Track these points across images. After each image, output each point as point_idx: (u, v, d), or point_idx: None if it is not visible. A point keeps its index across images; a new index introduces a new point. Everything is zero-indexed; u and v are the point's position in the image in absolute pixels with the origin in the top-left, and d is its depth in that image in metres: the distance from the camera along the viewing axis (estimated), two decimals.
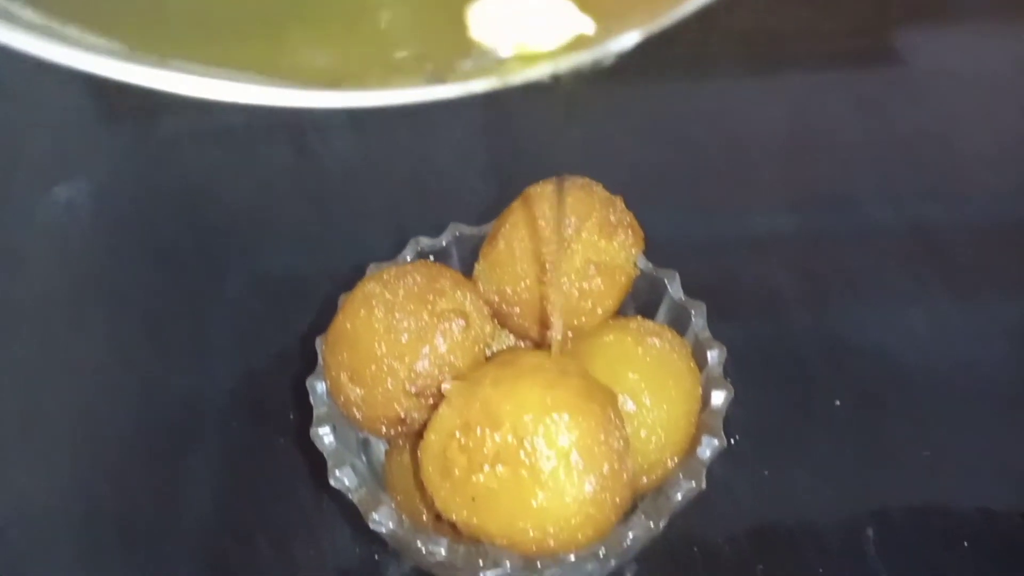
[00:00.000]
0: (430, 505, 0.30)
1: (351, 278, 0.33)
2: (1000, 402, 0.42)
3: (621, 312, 0.35)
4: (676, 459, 0.32)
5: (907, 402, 0.42)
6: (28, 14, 0.16)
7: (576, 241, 0.32)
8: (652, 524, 0.29)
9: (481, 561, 0.29)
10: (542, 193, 0.33)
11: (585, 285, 0.32)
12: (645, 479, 0.31)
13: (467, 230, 0.37)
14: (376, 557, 0.37)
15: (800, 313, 0.46)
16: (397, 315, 0.30)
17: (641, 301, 0.37)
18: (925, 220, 0.51)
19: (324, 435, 0.32)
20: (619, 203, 0.33)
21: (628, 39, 0.18)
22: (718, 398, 0.32)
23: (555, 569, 0.29)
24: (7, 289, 0.49)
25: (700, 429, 0.32)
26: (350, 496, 0.31)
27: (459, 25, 0.18)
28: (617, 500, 0.28)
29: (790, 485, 0.39)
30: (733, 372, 0.34)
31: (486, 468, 0.27)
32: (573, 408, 0.27)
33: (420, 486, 0.30)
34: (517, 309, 0.33)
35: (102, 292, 0.49)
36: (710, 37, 0.64)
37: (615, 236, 0.32)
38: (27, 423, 0.43)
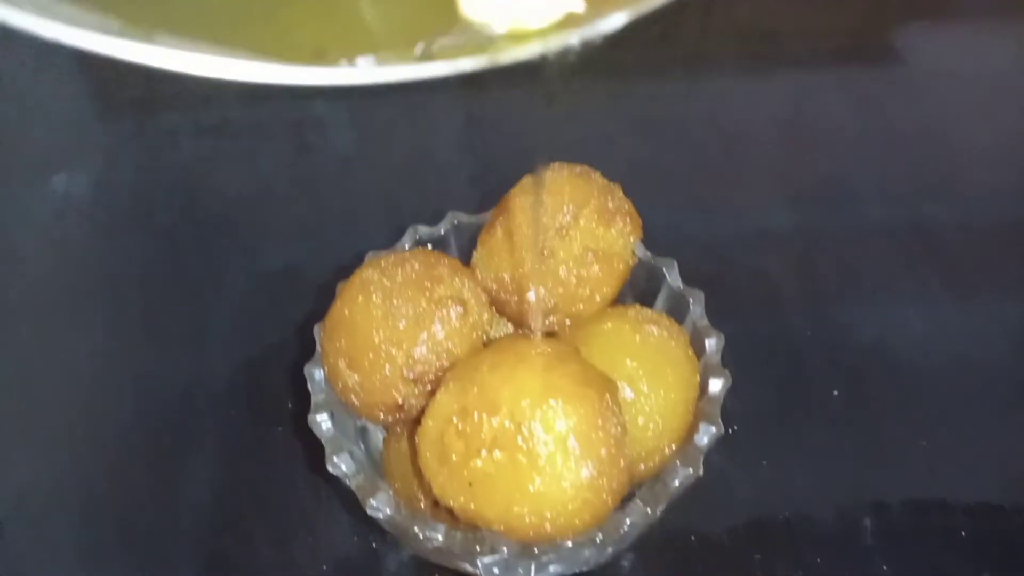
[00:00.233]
0: (428, 491, 0.30)
1: (349, 267, 0.33)
2: (996, 393, 0.42)
3: (619, 301, 0.35)
4: (674, 446, 0.32)
5: (904, 393, 0.42)
6: None
7: (574, 228, 0.32)
8: (649, 511, 0.30)
9: (478, 547, 0.29)
10: (540, 181, 0.33)
11: (583, 272, 0.32)
12: (643, 466, 0.32)
13: (465, 218, 0.37)
14: (374, 545, 0.37)
15: (798, 305, 0.46)
16: (395, 302, 0.31)
17: (639, 290, 0.37)
18: (922, 213, 0.51)
19: (322, 421, 0.32)
20: (618, 191, 0.33)
21: (616, 19, 0.18)
22: (716, 386, 0.33)
23: (552, 555, 0.29)
24: (4, 280, 0.48)
25: (698, 417, 0.32)
26: (348, 482, 0.31)
27: (449, 2, 0.18)
28: (614, 486, 0.28)
29: (788, 475, 0.39)
30: (731, 363, 0.34)
31: (483, 453, 0.27)
32: (570, 394, 0.27)
33: (418, 472, 0.30)
34: (515, 296, 0.33)
35: (99, 282, 0.49)
36: (709, 35, 0.64)
37: (613, 223, 0.32)
38: (25, 414, 0.43)
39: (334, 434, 0.31)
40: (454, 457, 0.28)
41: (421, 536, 0.29)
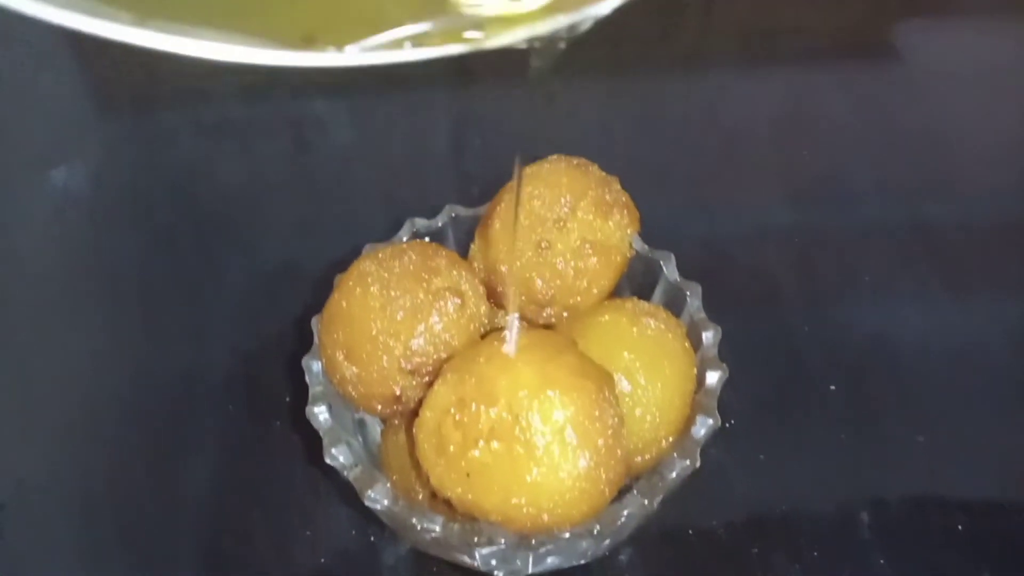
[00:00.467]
0: (425, 483, 0.30)
1: (347, 261, 0.33)
2: (994, 389, 0.42)
3: (617, 294, 0.35)
4: (671, 439, 0.32)
5: (901, 387, 0.42)
6: None
7: (572, 220, 0.32)
8: (646, 501, 0.30)
9: (476, 538, 0.29)
10: (538, 173, 0.33)
11: (581, 264, 0.33)
12: (640, 459, 0.32)
13: (463, 211, 0.37)
14: (372, 539, 0.37)
15: (796, 300, 0.46)
16: (392, 293, 0.31)
17: (637, 283, 0.37)
18: (921, 211, 0.51)
19: (320, 413, 0.32)
20: (615, 183, 0.34)
21: (608, 4, 0.18)
22: (712, 378, 0.33)
23: (550, 546, 0.29)
24: (2, 275, 0.48)
25: (695, 409, 0.32)
26: (345, 474, 0.31)
27: None
28: (611, 476, 0.28)
29: (785, 470, 0.39)
30: (728, 357, 0.34)
31: (481, 444, 0.27)
32: (567, 385, 0.27)
33: (416, 464, 0.30)
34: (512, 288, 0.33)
35: (98, 277, 0.49)
36: (709, 33, 0.65)
37: (611, 215, 0.32)
38: (23, 408, 0.43)
39: (332, 425, 0.31)
40: (452, 448, 0.28)
41: (419, 527, 0.29)
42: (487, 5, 0.18)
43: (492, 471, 0.27)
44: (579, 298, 0.33)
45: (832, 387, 0.42)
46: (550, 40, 0.21)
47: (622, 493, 0.30)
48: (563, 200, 0.32)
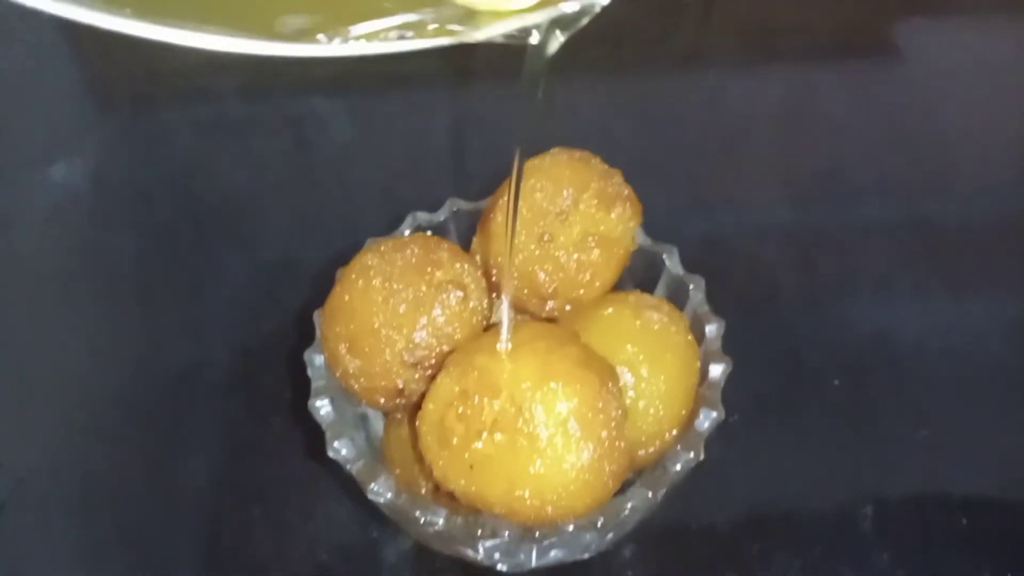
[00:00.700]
0: (429, 476, 0.30)
1: (347, 257, 0.33)
2: (996, 383, 0.42)
3: (619, 288, 0.35)
4: (674, 432, 0.32)
5: (904, 383, 0.42)
6: None
7: (574, 213, 0.32)
8: (650, 494, 0.29)
9: (479, 531, 0.29)
10: (540, 166, 0.33)
11: (583, 257, 0.32)
12: (643, 452, 0.31)
13: (465, 205, 0.37)
14: (374, 535, 0.37)
15: (796, 296, 0.46)
16: (395, 286, 0.30)
17: (639, 277, 0.37)
18: (920, 204, 0.51)
19: (322, 407, 0.32)
20: (617, 176, 0.33)
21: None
22: (716, 371, 0.32)
23: (553, 539, 0.29)
24: (2, 270, 0.48)
25: (698, 402, 0.32)
26: (348, 467, 0.30)
27: None
28: (615, 468, 0.28)
29: (788, 464, 0.39)
30: (732, 353, 0.34)
31: (484, 436, 0.27)
32: (571, 377, 0.27)
33: (419, 457, 0.30)
34: (515, 282, 0.33)
35: (97, 272, 0.49)
36: (709, 31, 0.65)
37: (613, 208, 0.32)
38: (23, 403, 0.42)
39: (334, 419, 0.31)
40: (455, 440, 0.28)
41: (422, 521, 0.29)
42: None
43: (495, 463, 0.27)
44: (582, 291, 0.33)
45: (835, 382, 0.42)
46: (546, 35, 0.21)
47: (625, 486, 0.30)
48: (565, 193, 0.32)
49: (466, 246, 0.35)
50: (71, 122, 0.58)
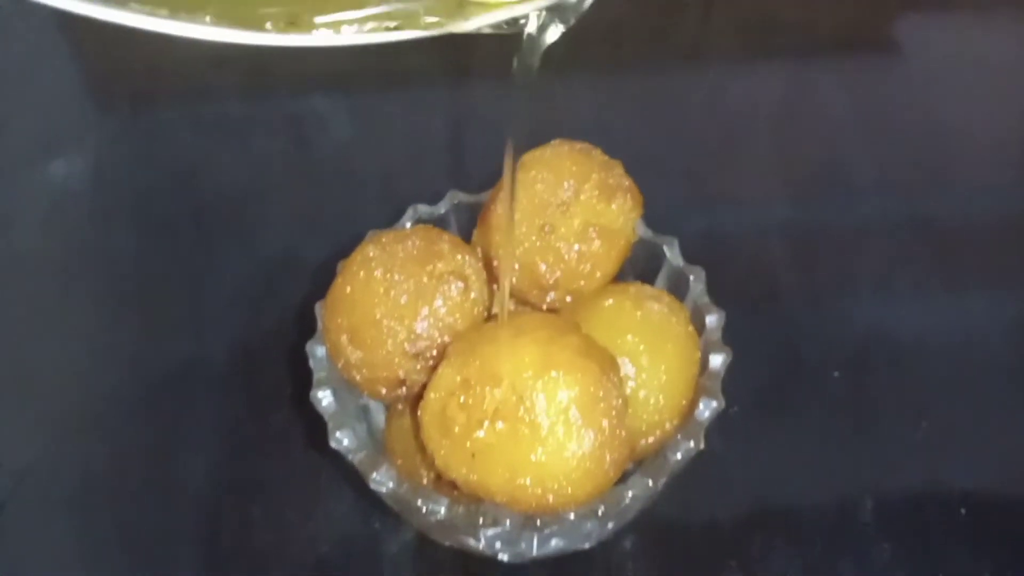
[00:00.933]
0: (430, 466, 0.30)
1: (347, 252, 0.33)
2: (996, 374, 0.42)
3: (620, 279, 0.35)
4: (675, 422, 0.32)
5: (904, 374, 0.42)
6: None
7: (575, 204, 0.32)
8: (651, 483, 0.30)
9: (481, 520, 0.29)
10: (541, 157, 0.33)
11: (584, 248, 0.33)
12: (644, 441, 0.32)
13: (465, 198, 0.38)
14: (376, 527, 0.37)
15: (795, 290, 0.46)
16: (396, 276, 0.31)
17: (639, 269, 0.37)
18: (920, 199, 0.51)
19: (324, 398, 0.32)
20: (618, 167, 0.34)
21: None
22: (716, 361, 0.33)
23: (554, 527, 0.29)
24: (2, 266, 0.49)
25: (699, 392, 0.32)
26: (350, 458, 0.31)
27: None
28: (616, 457, 0.28)
29: (788, 457, 0.39)
30: (732, 345, 0.34)
31: (486, 425, 0.27)
32: (571, 365, 0.27)
33: (421, 447, 0.30)
34: (516, 273, 0.33)
35: (98, 267, 0.49)
36: (709, 26, 0.65)
37: (614, 199, 0.33)
38: (23, 399, 0.43)
39: (336, 409, 0.31)
40: (456, 429, 0.28)
41: (424, 510, 0.29)
42: None
43: (497, 451, 0.27)
44: (583, 282, 0.33)
45: (835, 373, 0.42)
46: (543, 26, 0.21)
47: (626, 476, 0.30)
48: (566, 184, 0.32)
49: (467, 239, 0.35)
50: (71, 120, 0.58)
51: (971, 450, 0.40)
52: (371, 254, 0.32)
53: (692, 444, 0.30)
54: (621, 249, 0.33)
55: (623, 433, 0.28)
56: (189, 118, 0.58)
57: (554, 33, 0.22)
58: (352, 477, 0.31)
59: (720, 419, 0.32)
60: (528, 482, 0.27)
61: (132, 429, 0.41)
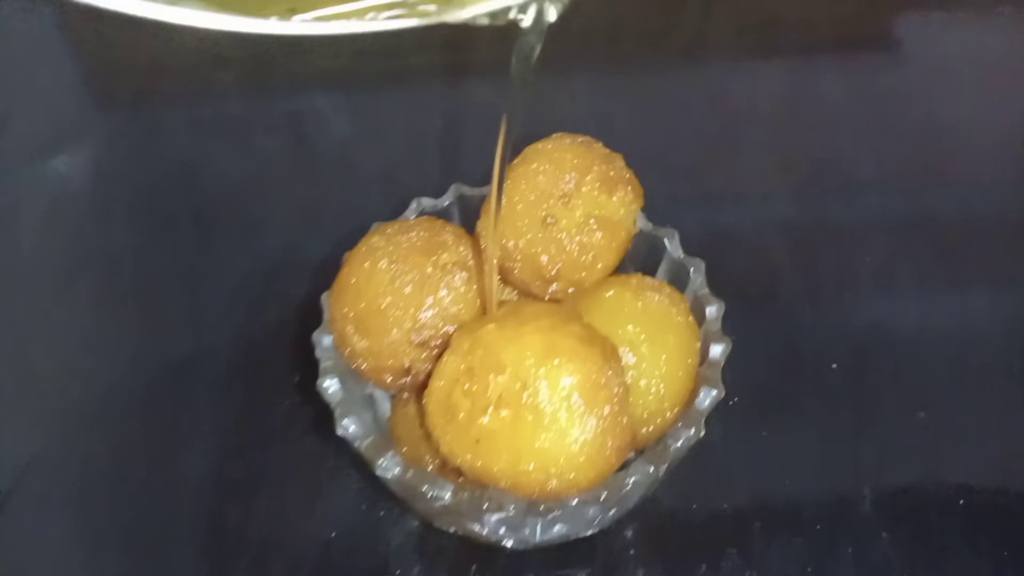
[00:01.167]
0: (435, 453, 0.31)
1: (351, 246, 0.34)
2: (995, 365, 0.43)
3: (621, 271, 0.36)
4: (675, 410, 0.32)
5: (902, 365, 0.42)
6: None
7: (576, 196, 0.33)
8: (652, 469, 0.30)
9: (485, 505, 0.29)
10: (542, 149, 0.34)
11: (586, 239, 0.33)
12: (645, 430, 0.32)
13: (469, 190, 0.38)
14: (381, 514, 0.37)
15: (795, 283, 0.47)
16: (401, 266, 0.31)
17: (640, 261, 0.37)
18: (921, 193, 0.52)
19: (330, 386, 0.32)
20: (619, 160, 0.34)
21: None
22: (716, 350, 0.33)
23: (557, 512, 0.30)
24: (3, 261, 0.49)
25: (699, 382, 0.33)
26: (356, 445, 0.31)
27: None
28: (618, 443, 0.28)
29: (788, 445, 0.40)
30: (732, 335, 0.34)
31: (490, 411, 0.28)
32: (574, 352, 0.28)
33: (426, 434, 0.31)
34: (518, 264, 0.34)
35: (100, 263, 0.49)
36: (710, 23, 0.65)
37: (615, 191, 0.33)
38: (25, 395, 0.43)
39: (342, 397, 0.32)
40: (461, 415, 0.28)
41: (429, 495, 0.30)
42: None
43: (501, 437, 0.28)
44: (584, 273, 0.34)
45: (834, 365, 0.42)
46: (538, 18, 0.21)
47: (628, 464, 0.30)
48: (568, 176, 0.33)
49: (470, 232, 0.36)
50: (71, 117, 0.58)
51: (969, 441, 0.40)
52: (376, 244, 0.32)
53: (693, 432, 0.31)
54: (622, 241, 0.34)
55: (625, 420, 0.29)
56: (189, 115, 0.58)
57: (552, 14, 0.22)
58: (358, 465, 0.31)
59: (720, 410, 0.32)
60: (531, 468, 0.28)
61: (134, 424, 0.42)
